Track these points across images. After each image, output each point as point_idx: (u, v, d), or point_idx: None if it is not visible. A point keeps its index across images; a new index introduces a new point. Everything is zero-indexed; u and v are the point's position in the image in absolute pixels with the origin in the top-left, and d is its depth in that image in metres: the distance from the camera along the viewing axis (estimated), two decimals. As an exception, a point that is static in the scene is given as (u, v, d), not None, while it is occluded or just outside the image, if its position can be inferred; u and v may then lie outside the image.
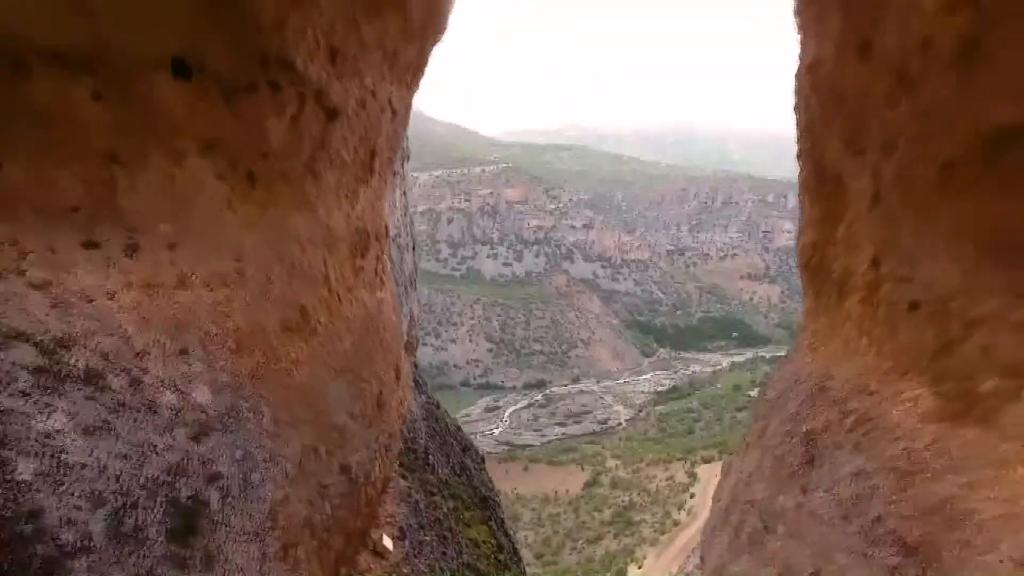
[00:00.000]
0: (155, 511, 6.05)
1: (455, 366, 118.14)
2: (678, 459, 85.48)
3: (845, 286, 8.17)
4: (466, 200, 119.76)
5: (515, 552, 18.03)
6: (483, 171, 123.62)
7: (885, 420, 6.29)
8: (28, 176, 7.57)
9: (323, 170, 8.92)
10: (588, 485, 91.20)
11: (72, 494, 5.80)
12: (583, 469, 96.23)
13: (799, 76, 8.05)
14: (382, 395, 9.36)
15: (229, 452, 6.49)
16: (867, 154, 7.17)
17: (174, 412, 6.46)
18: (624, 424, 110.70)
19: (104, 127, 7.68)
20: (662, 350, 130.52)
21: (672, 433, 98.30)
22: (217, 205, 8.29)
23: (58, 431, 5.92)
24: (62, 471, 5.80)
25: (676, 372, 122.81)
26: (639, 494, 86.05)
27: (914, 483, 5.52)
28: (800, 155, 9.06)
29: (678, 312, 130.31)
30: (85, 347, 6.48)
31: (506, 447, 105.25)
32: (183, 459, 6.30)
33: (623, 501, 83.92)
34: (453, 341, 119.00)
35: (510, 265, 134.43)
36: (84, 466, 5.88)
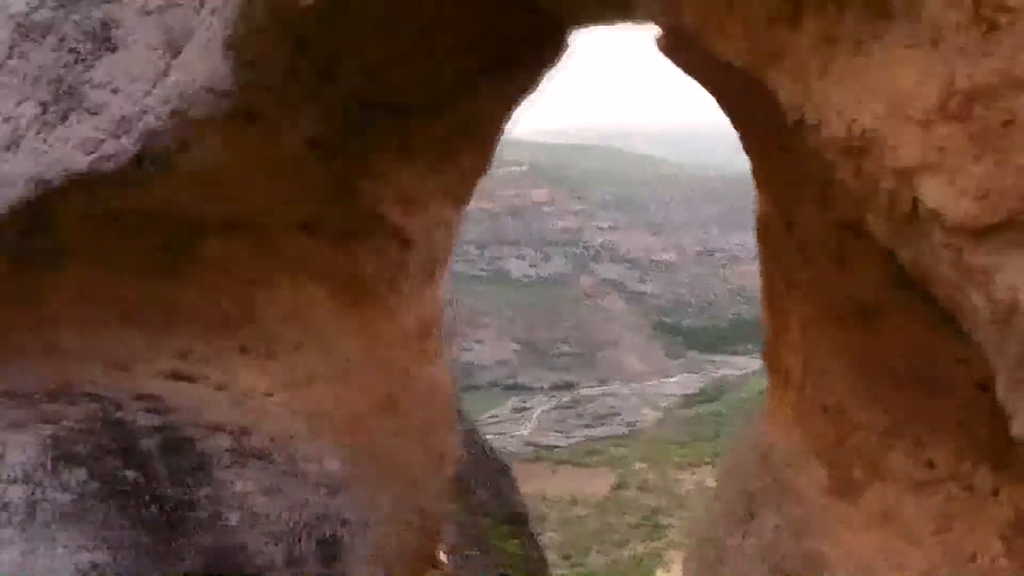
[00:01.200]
0: (310, 544, 9.73)
1: (482, 367, 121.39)
2: (706, 463, 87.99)
3: (788, 379, 11.55)
4: (491, 201, 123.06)
5: (542, 561, 21.51)
6: (509, 172, 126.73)
7: (796, 490, 9.58)
8: (200, 297, 11.31)
9: (401, 285, 12.50)
10: (615, 487, 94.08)
11: (261, 533, 9.52)
12: (610, 472, 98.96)
13: (756, 214, 11.38)
14: (444, 451, 12.91)
15: (351, 504, 10.10)
16: (797, 293, 10.58)
17: (316, 477, 10.10)
18: (651, 427, 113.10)
19: (250, 263, 11.37)
20: (690, 353, 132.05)
21: (700, 437, 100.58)
22: (328, 318, 11.92)
23: (248, 492, 9.62)
24: (253, 518, 9.50)
25: (704, 375, 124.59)
26: (666, 497, 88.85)
27: (803, 539, 8.80)
28: (760, 273, 12.49)
29: (707, 314, 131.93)
30: (257, 433, 10.15)
31: (533, 448, 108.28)
32: (324, 510, 9.96)
33: (650, 504, 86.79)
34: (480, 342, 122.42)
35: (536, 266, 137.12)
36: (267, 516, 9.58)
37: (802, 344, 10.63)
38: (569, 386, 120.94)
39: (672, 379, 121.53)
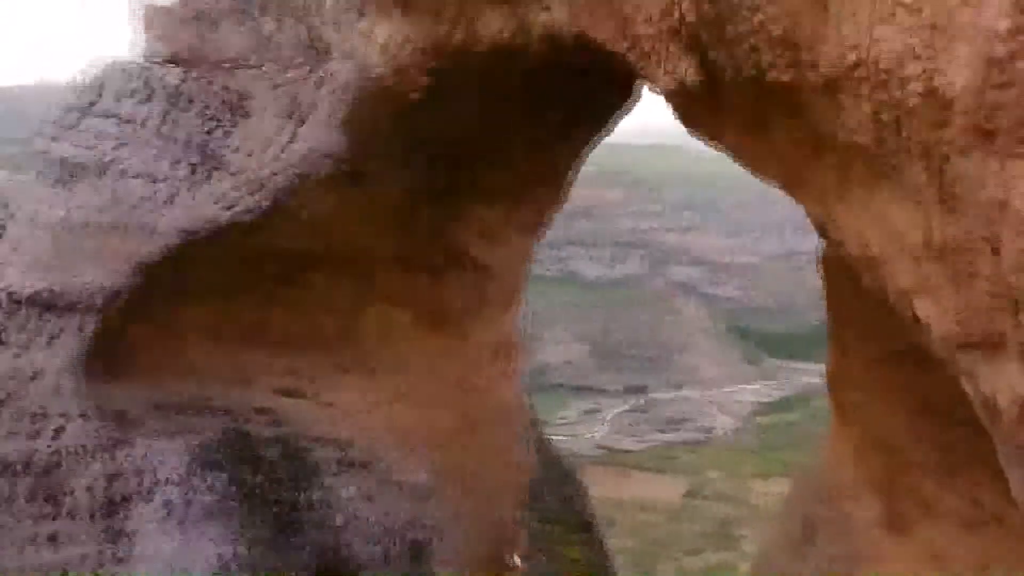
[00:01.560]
0: (402, 546, 11.18)
1: (552, 367, 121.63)
2: (782, 474, 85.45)
3: (849, 414, 12.20)
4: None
5: (609, 568, 22.45)
6: (581, 172, 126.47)
7: (852, 521, 10.25)
8: (307, 322, 12.88)
9: (481, 311, 13.84)
10: (687, 495, 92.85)
11: (361, 534, 11.00)
12: (682, 478, 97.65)
13: (819, 254, 12.01)
14: (517, 465, 14.18)
15: (437, 512, 11.50)
16: (859, 332, 11.24)
17: (408, 488, 11.54)
18: (727, 434, 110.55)
19: (350, 293, 12.92)
20: (767, 359, 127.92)
21: (776, 446, 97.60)
22: (416, 343, 13.39)
23: (351, 498, 11.12)
24: (355, 521, 11.01)
25: (783, 382, 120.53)
26: (741, 507, 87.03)
27: (855, 570, 9.50)
28: (825, 307, 13.09)
29: (785, 319, 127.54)
30: (358, 447, 11.65)
31: (604, 451, 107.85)
32: (414, 516, 11.38)
33: (724, 514, 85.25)
34: (550, 343, 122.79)
35: (608, 267, 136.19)
36: (367, 519, 11.06)
37: (863, 381, 11.24)
38: (641, 390, 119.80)
39: (749, 386, 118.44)
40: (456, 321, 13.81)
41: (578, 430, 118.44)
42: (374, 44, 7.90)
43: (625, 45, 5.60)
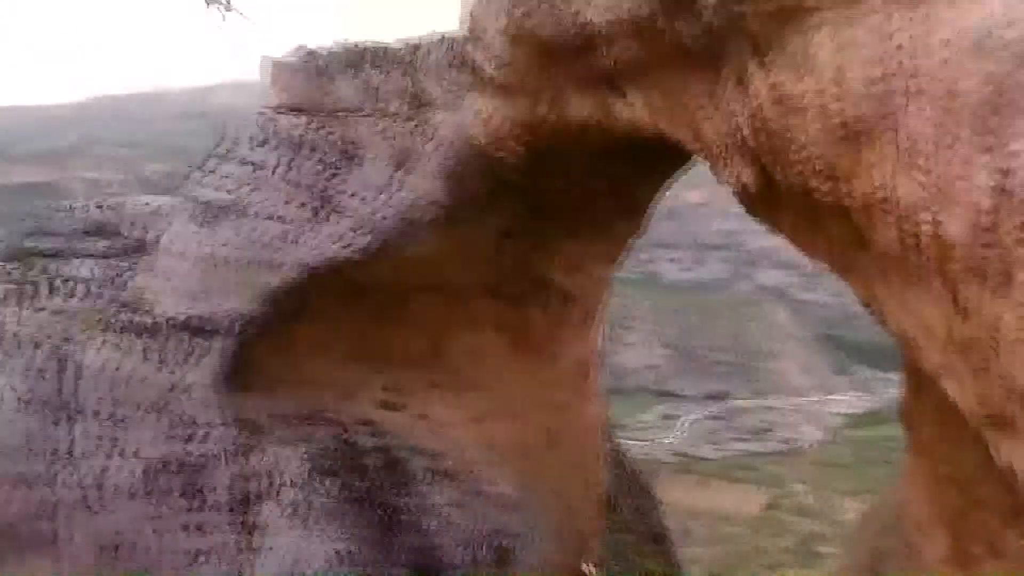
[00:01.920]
0: (488, 551, 12.40)
1: (631, 370, 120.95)
2: (873, 491, 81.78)
3: (923, 447, 12.51)
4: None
5: (681, 581, 23.01)
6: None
7: (920, 556, 10.67)
8: (403, 341, 14.29)
9: (563, 333, 14.92)
10: (769, 507, 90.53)
11: (451, 538, 12.32)
12: (764, 490, 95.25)
13: None
14: (595, 479, 15.19)
15: (520, 522, 12.68)
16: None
17: (494, 498, 12.78)
18: (814, 446, 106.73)
19: (442, 316, 14.24)
20: (859, 369, 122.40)
21: (868, 461, 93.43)
22: (502, 362, 14.60)
23: (442, 504, 12.45)
24: (446, 526, 12.32)
25: (877, 394, 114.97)
26: (826, 524, 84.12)
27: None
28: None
29: (879, 328, 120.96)
30: (449, 458, 12.98)
31: (681, 458, 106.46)
32: (499, 525, 12.60)
33: (808, 530, 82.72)
34: (630, 345, 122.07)
35: (690, 270, 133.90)
36: (456, 525, 12.35)
37: (936, 417, 11.56)
38: (723, 396, 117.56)
39: (839, 396, 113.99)
40: (539, 342, 14.95)
41: (656, 435, 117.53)
42: (476, 115, 9.11)
43: (697, 146, 6.51)
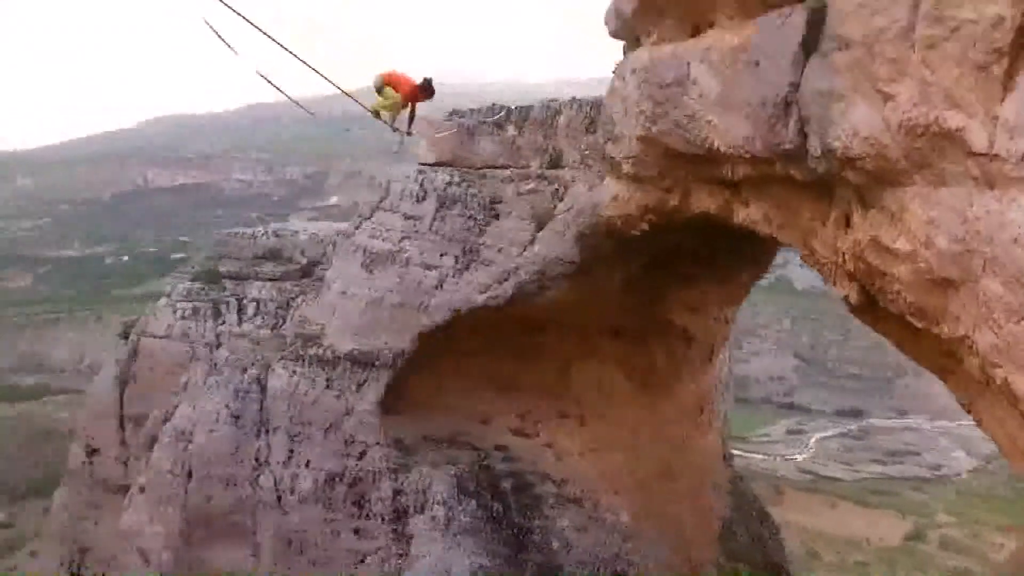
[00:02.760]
0: (607, 574, 13.64)
1: (756, 380, 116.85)
2: (1034, 530, 74.56)
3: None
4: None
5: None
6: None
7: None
8: (533, 372, 15.72)
9: (683, 370, 15.93)
10: (909, 538, 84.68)
11: (574, 560, 13.70)
12: (903, 518, 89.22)
13: None
14: (711, 510, 16.07)
15: (637, 550, 13.89)
16: None
17: (612, 525, 14.05)
18: (964, 475, 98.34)
19: (570, 350, 15.56)
20: None
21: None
22: (624, 396, 15.82)
23: (566, 528, 13.88)
24: (569, 548, 13.72)
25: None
26: (978, 562, 77.60)
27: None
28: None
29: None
30: (573, 484, 14.36)
31: (809, 477, 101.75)
32: (617, 551, 13.86)
33: (955, 567, 76.69)
34: (756, 354, 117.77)
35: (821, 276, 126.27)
36: (578, 548, 13.72)
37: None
38: (857, 413, 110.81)
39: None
40: (659, 379, 16.06)
41: (781, 450, 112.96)
42: (610, 198, 10.41)
43: (808, 256, 7.45)
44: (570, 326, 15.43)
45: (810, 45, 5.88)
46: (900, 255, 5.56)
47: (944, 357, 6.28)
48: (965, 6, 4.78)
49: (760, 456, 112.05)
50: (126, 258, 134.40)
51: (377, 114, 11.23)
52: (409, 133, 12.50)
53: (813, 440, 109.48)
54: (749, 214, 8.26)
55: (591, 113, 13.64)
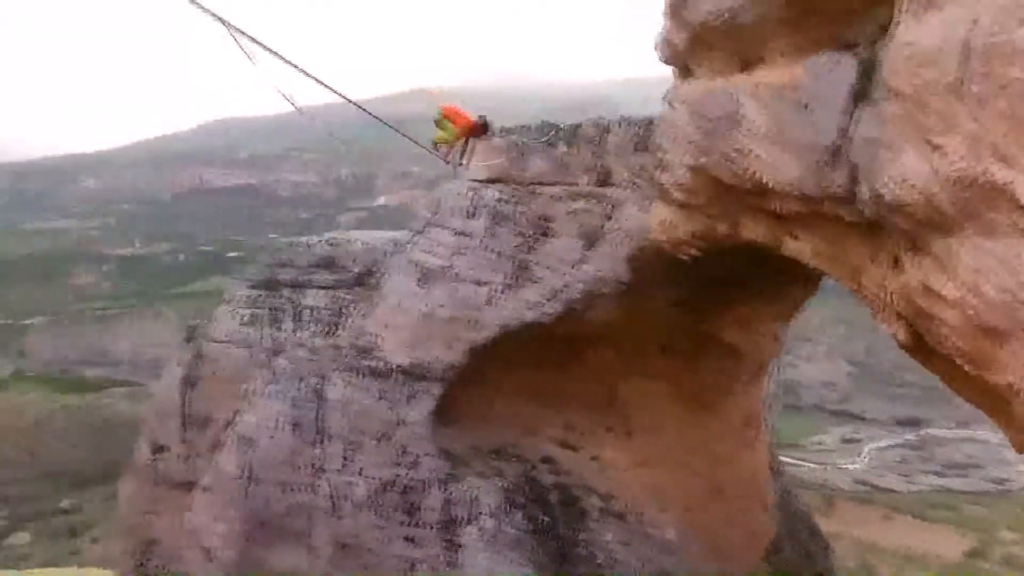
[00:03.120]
0: (660, 583, 13.79)
1: (807, 387, 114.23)
2: (1108, 552, 71.24)
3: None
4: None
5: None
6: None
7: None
8: (579, 385, 16.04)
9: (731, 387, 15.99)
10: (970, 555, 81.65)
11: (613, 570, 13.86)
12: (964, 534, 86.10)
13: None
14: (758, 528, 16.08)
15: (682, 566, 14.04)
16: None
17: (658, 541, 14.24)
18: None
19: (616, 364, 15.76)
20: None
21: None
22: (671, 412, 15.94)
23: (610, 542, 14.10)
24: (614, 562, 13.94)
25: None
26: (1043, 582, 74.33)
27: None
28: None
29: None
30: (618, 499, 14.59)
31: (864, 488, 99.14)
32: (663, 567, 14.04)
33: (1018, 585, 73.59)
34: (807, 359, 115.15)
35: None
36: (623, 563, 13.93)
37: None
38: (914, 423, 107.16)
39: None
40: (707, 395, 16.15)
41: (835, 459, 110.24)
42: (659, 223, 10.64)
43: (857, 291, 7.55)
44: (618, 341, 15.66)
45: (860, 93, 6.03)
46: (948, 301, 5.68)
47: (993, 399, 6.33)
48: (1015, 64, 4.89)
49: (812, 465, 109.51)
50: (183, 256, 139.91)
51: (436, 146, 11.96)
52: (462, 165, 13.49)
53: (868, 449, 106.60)
54: (797, 247, 8.39)
55: (640, 132, 13.83)
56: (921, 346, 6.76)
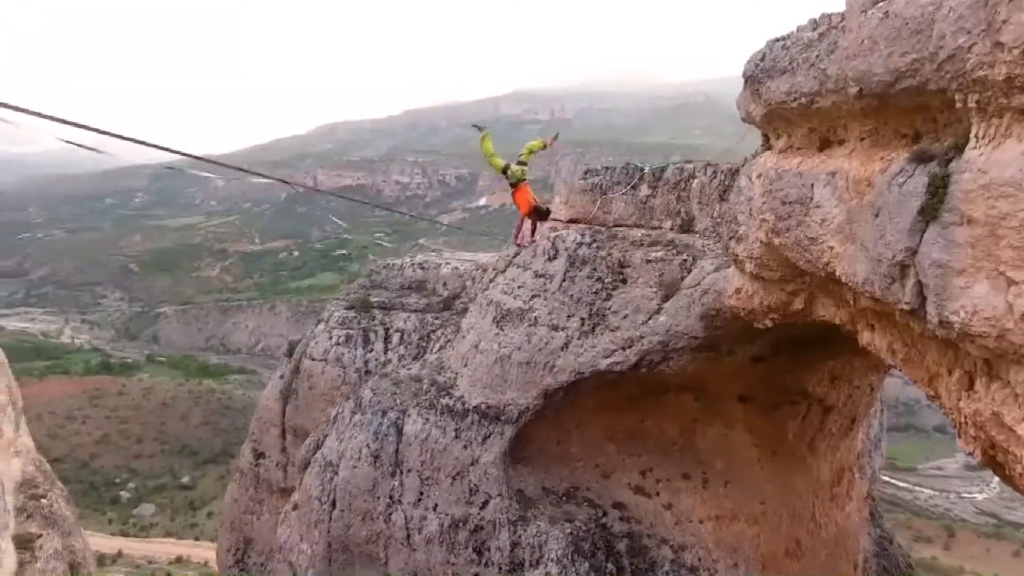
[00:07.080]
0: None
1: (927, 406, 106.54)
2: None
3: None
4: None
5: None
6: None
7: None
8: (656, 429, 15.74)
9: (818, 443, 15.22)
10: (1115, 605, 73.44)
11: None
12: (1109, 582, 77.47)
13: None
14: (844, 591, 15.27)
15: (756, 628, 13.52)
16: None
17: (732, 600, 13.77)
18: None
19: (694, 410, 15.38)
20: None
21: None
22: (750, 463, 15.39)
23: (683, 591, 13.66)
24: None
25: None
26: None
27: None
28: None
29: None
30: (691, 552, 14.28)
31: (991, 520, 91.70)
32: (735, 627, 13.56)
33: None
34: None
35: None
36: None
37: None
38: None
39: None
40: (792, 450, 15.48)
41: (956, 486, 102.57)
42: (735, 290, 10.35)
43: (931, 394, 7.06)
44: (695, 389, 15.32)
45: (930, 210, 5.63)
46: (1023, 440, 5.25)
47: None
48: (1099, 206, 4.46)
49: (930, 491, 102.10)
50: (296, 253, 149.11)
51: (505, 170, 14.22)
52: (533, 242, 14.98)
53: (998, 479, 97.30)
54: (874, 339, 7.95)
55: (725, 181, 13.45)
56: (1000, 470, 6.26)
